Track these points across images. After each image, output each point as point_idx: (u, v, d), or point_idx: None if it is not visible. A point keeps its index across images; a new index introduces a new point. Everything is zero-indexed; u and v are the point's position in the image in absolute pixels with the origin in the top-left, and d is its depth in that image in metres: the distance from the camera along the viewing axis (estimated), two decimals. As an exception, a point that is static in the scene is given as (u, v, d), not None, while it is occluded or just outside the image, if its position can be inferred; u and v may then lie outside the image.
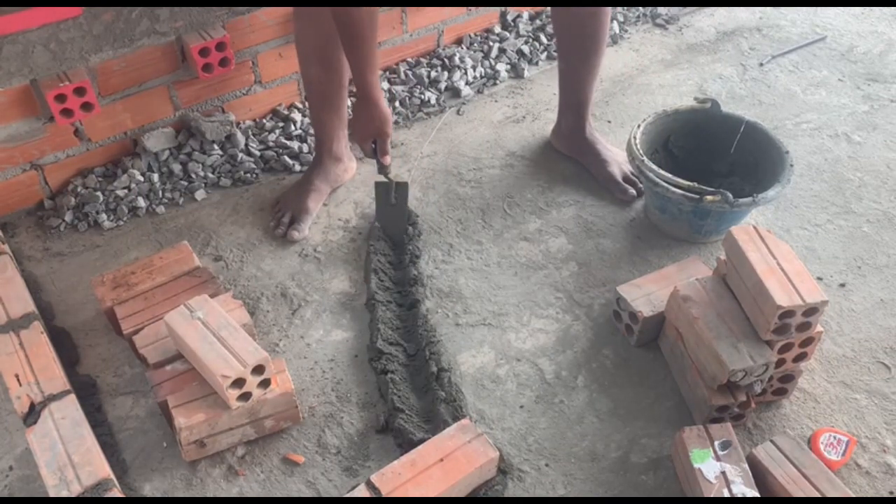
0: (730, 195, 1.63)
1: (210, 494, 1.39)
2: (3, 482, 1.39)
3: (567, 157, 2.05)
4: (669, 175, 1.69)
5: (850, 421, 1.48)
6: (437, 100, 2.24)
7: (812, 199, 1.95)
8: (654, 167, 1.71)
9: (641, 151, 1.76)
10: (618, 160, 1.98)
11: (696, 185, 1.66)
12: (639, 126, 1.82)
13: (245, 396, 1.39)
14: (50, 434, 1.35)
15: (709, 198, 1.64)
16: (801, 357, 1.45)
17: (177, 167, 1.97)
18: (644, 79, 2.35)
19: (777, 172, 1.73)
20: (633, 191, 1.95)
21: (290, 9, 1.99)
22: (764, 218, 1.89)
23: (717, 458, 1.32)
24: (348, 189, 1.98)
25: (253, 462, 1.43)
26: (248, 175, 1.99)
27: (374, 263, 1.75)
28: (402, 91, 2.22)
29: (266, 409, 1.42)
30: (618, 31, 2.51)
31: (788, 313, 1.35)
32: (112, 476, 1.31)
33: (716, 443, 1.34)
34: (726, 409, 1.42)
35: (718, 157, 1.89)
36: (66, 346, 1.60)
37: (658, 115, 1.86)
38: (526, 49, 2.39)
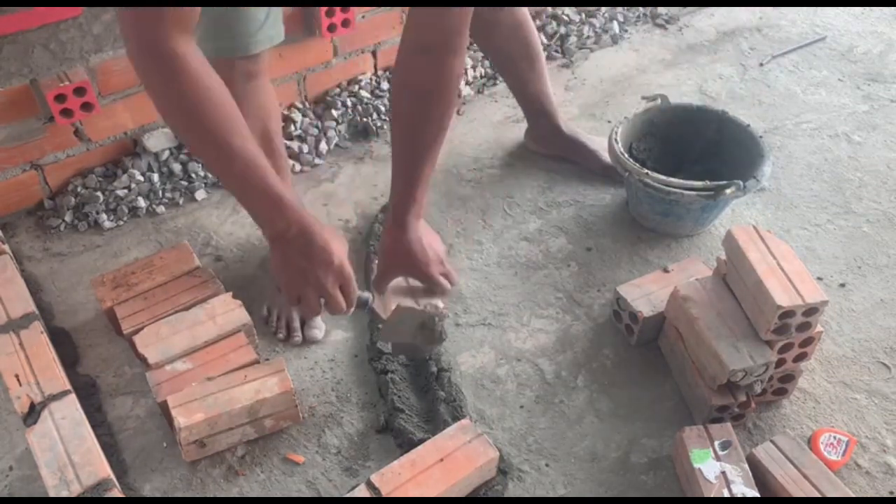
0: (741, 182, 1.65)
1: (210, 494, 1.38)
2: (3, 482, 1.39)
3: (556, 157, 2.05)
4: (680, 181, 1.68)
5: (850, 421, 1.48)
6: (437, 100, 2.23)
7: (812, 199, 1.95)
8: (661, 177, 1.69)
9: (637, 165, 1.73)
10: (603, 146, 1.97)
11: (707, 182, 1.67)
12: (617, 141, 1.80)
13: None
14: (50, 434, 1.35)
15: (728, 191, 1.65)
16: (801, 357, 1.45)
17: (177, 167, 1.97)
18: (644, 79, 2.35)
19: (747, 145, 1.77)
20: None
21: (291, 9, 1.99)
22: (764, 218, 1.89)
23: (717, 458, 1.32)
24: (348, 189, 1.98)
25: (253, 462, 1.43)
26: (248, 175, 1.99)
27: (374, 264, 1.74)
28: (402, 91, 2.22)
29: (266, 408, 1.42)
30: (618, 31, 2.51)
31: (788, 313, 1.35)
32: (112, 476, 1.31)
33: (716, 443, 1.34)
34: (726, 409, 1.42)
35: (688, 148, 1.90)
36: (66, 346, 1.60)
37: (619, 122, 1.85)
38: (526, 49, 2.39)
